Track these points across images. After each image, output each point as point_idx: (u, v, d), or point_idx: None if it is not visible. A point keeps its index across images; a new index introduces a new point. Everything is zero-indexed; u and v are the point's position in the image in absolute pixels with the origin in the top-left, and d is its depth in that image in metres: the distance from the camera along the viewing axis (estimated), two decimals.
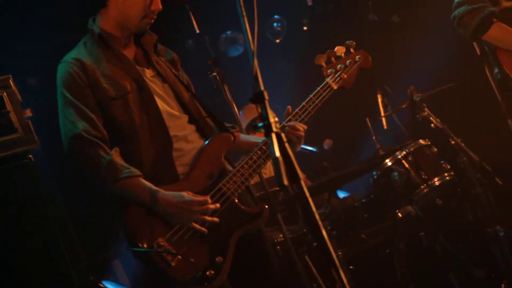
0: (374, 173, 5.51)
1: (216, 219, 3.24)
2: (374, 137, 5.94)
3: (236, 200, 3.36)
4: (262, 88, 2.51)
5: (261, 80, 2.55)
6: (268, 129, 2.45)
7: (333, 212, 5.21)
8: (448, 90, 5.74)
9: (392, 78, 6.74)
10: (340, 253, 4.93)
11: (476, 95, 5.94)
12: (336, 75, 3.59)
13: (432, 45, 6.94)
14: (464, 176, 5.45)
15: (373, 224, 5.38)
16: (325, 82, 3.58)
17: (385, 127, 6.21)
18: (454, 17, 3.99)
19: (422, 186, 5.28)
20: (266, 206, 3.42)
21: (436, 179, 5.31)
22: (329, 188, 5.37)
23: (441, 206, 5.36)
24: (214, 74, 4.42)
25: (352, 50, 3.68)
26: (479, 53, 5.01)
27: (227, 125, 3.65)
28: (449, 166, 5.41)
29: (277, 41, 7.90)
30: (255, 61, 2.57)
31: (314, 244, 4.97)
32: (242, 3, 2.55)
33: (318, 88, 3.56)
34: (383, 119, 6.23)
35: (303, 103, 3.53)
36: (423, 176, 5.29)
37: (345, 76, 3.60)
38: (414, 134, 5.97)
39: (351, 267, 5.03)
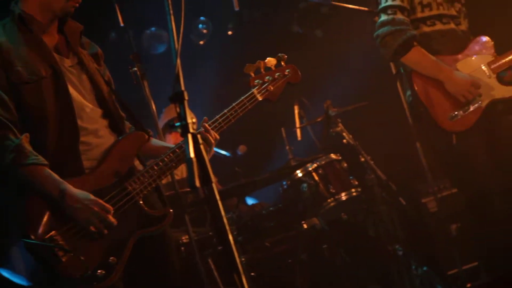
0: (284, 182, 5.57)
1: (114, 220, 3.15)
2: (287, 147, 6.02)
3: (141, 201, 3.29)
4: (182, 88, 2.52)
5: (183, 80, 2.56)
6: (184, 130, 2.46)
7: (241, 218, 5.24)
8: (363, 107, 5.87)
9: (311, 91, 6.83)
10: (243, 259, 4.96)
11: (390, 115, 6.08)
12: (263, 87, 3.55)
13: (351, 63, 7.07)
14: (370, 193, 5.59)
15: (279, 233, 5.43)
16: (251, 92, 3.53)
17: (299, 138, 6.30)
18: (378, 36, 4.08)
19: (329, 200, 5.37)
20: (171, 210, 3.37)
21: (343, 194, 5.41)
22: (238, 194, 5.40)
23: (346, 220, 5.47)
24: (135, 69, 4.39)
25: (283, 63, 3.65)
26: (394, 74, 5.16)
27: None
28: (357, 182, 5.53)
29: (201, 42, 7.89)
30: (178, 61, 2.57)
31: (219, 248, 4.98)
32: (170, 1, 2.55)
33: (243, 98, 3.51)
34: (298, 130, 6.32)
35: (225, 110, 3.48)
36: (331, 190, 5.38)
37: (272, 88, 3.57)
38: (327, 148, 6.09)
39: (252, 274, 5.06)
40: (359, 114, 6.01)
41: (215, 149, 5.68)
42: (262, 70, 3.59)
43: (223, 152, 6.22)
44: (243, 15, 8.00)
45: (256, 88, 3.55)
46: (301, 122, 6.35)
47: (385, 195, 5.68)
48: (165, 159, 3.34)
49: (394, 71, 5.26)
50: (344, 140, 5.79)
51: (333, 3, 5.59)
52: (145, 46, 7.55)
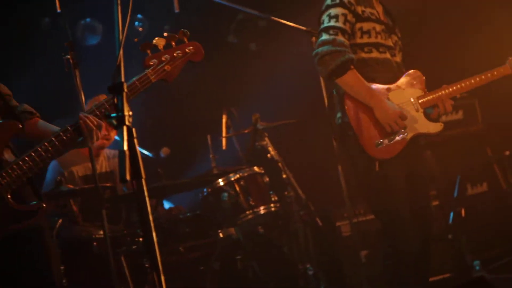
0: (205, 189, 5.55)
1: None
2: (211, 155, 6.00)
3: (8, 196, 3.09)
4: (122, 79, 2.49)
5: (123, 71, 2.54)
6: (120, 121, 2.43)
7: (157, 220, 5.18)
8: (292, 125, 5.93)
9: (241, 102, 6.85)
10: None
11: (317, 135, 6.17)
12: (158, 67, 3.27)
13: (284, 79, 7.13)
14: (288, 211, 5.64)
15: (194, 239, 5.40)
16: (144, 73, 3.26)
17: (223, 148, 6.30)
18: (317, 53, 4.10)
19: (247, 212, 5.39)
20: (44, 205, 3.17)
21: (262, 208, 5.44)
22: (158, 195, 5.34)
23: (261, 234, 5.49)
24: (68, 57, 4.32)
25: (186, 39, 3.35)
26: (326, 94, 5.23)
27: (27, 109, 3.42)
28: (276, 198, 5.57)
29: (135, 40, 7.80)
30: (121, 52, 2.54)
31: (133, 247, 4.92)
32: None
33: (134, 79, 3.24)
34: (224, 140, 6.32)
35: (109, 97, 3.26)
36: (250, 202, 5.41)
37: (169, 68, 3.29)
38: (251, 160, 6.11)
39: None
40: (286, 131, 6.06)
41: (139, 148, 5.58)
42: (161, 48, 3.27)
43: (145, 152, 6.15)
44: (180, 19, 7.95)
45: (151, 68, 3.26)
46: (227, 132, 6.35)
47: (302, 213, 5.75)
48: (39, 149, 3.13)
49: (324, 92, 5.34)
50: (269, 155, 5.83)
51: (273, 18, 5.60)
52: (79, 36, 7.41)
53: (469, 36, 7.15)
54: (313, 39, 5.54)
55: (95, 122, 3.21)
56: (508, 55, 4.43)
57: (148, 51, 3.27)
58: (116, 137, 5.48)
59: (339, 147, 4.75)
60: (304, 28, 5.54)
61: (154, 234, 2.46)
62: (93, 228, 5.00)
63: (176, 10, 6.55)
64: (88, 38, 7.46)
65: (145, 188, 2.46)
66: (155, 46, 3.26)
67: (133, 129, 2.42)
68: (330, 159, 5.46)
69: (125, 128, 2.41)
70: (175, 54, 3.31)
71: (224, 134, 6.31)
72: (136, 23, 7.82)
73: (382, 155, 4.09)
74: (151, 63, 3.27)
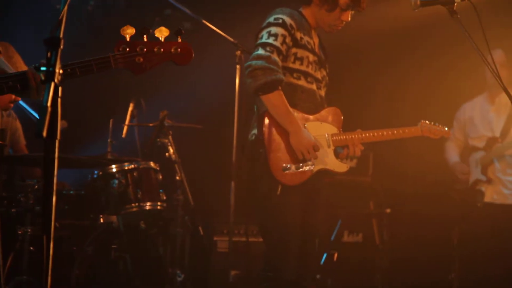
0: (96, 172, 5.42)
1: None
2: (109, 140, 5.87)
3: None
4: (61, 35, 2.42)
5: (63, 28, 2.47)
6: (49, 76, 2.37)
7: (40, 190, 4.98)
8: (198, 130, 5.89)
9: (153, 96, 6.75)
10: (29, 230, 4.75)
11: (220, 145, 6.14)
12: (127, 55, 2.89)
13: (200, 83, 7.09)
14: (173, 213, 5.58)
15: (71, 217, 5.25)
16: (106, 55, 2.91)
17: (123, 135, 6.18)
18: (250, 65, 4.08)
19: (133, 204, 5.29)
20: None
21: (148, 203, 5.36)
22: None
23: (142, 229, 5.40)
24: None
25: (179, 38, 2.97)
26: (238, 108, 5.25)
27: None
28: (165, 198, 5.50)
29: (57, 6, 7.55)
30: (66, 7, 2.47)
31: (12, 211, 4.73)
32: None
33: (91, 58, 2.92)
34: (125, 128, 6.21)
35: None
36: (138, 195, 5.31)
37: (141, 60, 2.88)
38: (147, 154, 6.03)
39: (32, 248, 4.81)
40: (191, 135, 6.01)
41: (27, 106, 5.35)
42: (144, 37, 2.95)
43: (34, 113, 5.87)
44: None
45: (118, 54, 2.93)
46: (131, 121, 6.24)
47: (187, 219, 5.70)
48: None
49: (237, 105, 5.36)
50: (167, 154, 5.76)
51: (204, 21, 5.57)
52: None
53: (396, 86, 7.39)
54: (238, 52, 5.57)
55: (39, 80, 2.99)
56: (432, 110, 4.62)
57: (126, 36, 2.92)
58: (21, 102, 5.24)
59: (245, 163, 4.71)
60: (232, 39, 5.55)
61: (54, 199, 2.39)
62: None
63: None
64: None
65: (56, 149, 2.40)
66: (138, 34, 2.92)
67: (60, 88, 2.36)
68: (227, 172, 5.46)
69: (52, 84, 2.36)
70: (155, 49, 2.96)
71: (127, 122, 6.19)
72: None
73: (286, 180, 4.11)
74: (120, 49, 2.92)
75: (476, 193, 6.27)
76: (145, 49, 2.94)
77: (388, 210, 7.34)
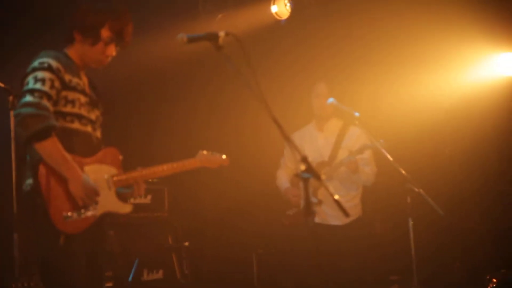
0: None
1: None
2: None
3: None
4: None
5: None
6: None
7: None
8: None
9: None
10: None
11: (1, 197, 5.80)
12: None
13: None
14: None
15: None
16: None
17: None
18: (19, 114, 3.86)
19: None
20: None
21: None
22: None
23: None
24: None
25: None
26: (15, 158, 5.00)
27: None
28: None
29: None
30: None
31: None
32: None
33: None
34: None
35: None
36: None
37: None
38: None
39: None
40: None
41: None
42: None
43: None
44: None
45: None
46: None
47: None
48: None
49: (13, 154, 5.12)
50: None
51: None
52: None
53: (185, 118, 7.41)
54: (11, 98, 5.35)
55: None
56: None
57: None
58: None
59: (24, 216, 4.50)
60: (2, 85, 5.35)
61: None
62: None
63: None
64: None
65: None
66: None
67: None
68: (9, 224, 5.18)
69: None
70: None
71: None
72: None
73: (69, 229, 3.95)
74: None
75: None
76: None
77: (187, 243, 7.35)
